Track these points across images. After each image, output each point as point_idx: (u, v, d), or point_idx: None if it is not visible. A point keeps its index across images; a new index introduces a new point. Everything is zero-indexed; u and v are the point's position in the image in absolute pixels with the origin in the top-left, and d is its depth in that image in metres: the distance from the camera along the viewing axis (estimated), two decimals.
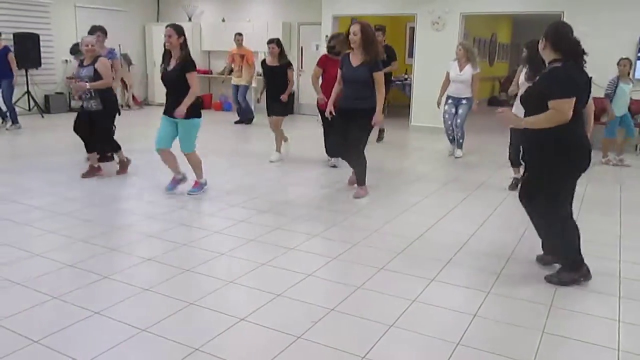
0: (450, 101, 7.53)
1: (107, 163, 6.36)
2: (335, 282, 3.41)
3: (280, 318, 2.91)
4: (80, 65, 5.84)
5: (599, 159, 7.17)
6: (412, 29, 11.07)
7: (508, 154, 5.79)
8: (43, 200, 4.98)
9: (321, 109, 6.32)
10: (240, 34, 10.53)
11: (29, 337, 2.63)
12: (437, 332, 2.79)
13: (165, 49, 5.00)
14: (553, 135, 3.15)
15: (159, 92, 13.62)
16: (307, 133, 9.42)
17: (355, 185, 5.48)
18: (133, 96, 12.89)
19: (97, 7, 12.09)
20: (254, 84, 10.71)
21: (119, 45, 12.41)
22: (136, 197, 5.33)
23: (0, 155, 7.27)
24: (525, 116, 3.31)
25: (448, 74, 7.50)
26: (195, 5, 13.16)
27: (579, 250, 3.37)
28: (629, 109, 7.40)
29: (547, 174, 3.29)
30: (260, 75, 7.61)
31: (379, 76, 5.07)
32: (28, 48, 10.45)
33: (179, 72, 4.94)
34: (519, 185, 3.72)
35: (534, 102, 3.23)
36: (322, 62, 6.48)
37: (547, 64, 3.28)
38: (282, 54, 6.84)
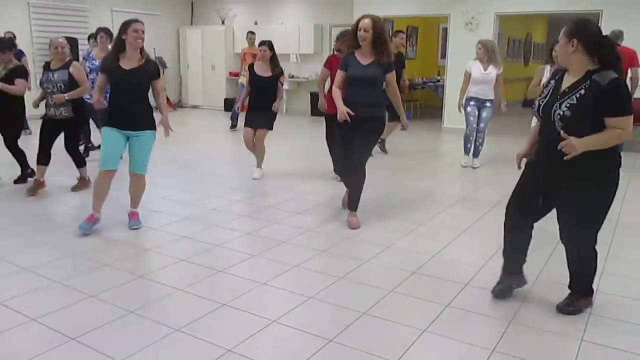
0: (473, 103, 6.79)
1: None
2: (368, 285, 3.38)
3: (312, 321, 2.90)
4: (47, 69, 5.23)
5: None
6: (445, 30, 10.96)
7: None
8: (75, 200, 5.09)
9: (327, 115, 5.65)
10: (252, 32, 10.28)
11: (66, 335, 2.68)
12: (471, 338, 2.74)
13: (117, 45, 4.17)
14: (610, 154, 2.72)
15: (193, 95, 13.84)
16: None
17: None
18: (167, 99, 13.10)
19: (132, 11, 12.32)
20: None
21: (154, 49, 12.68)
22: (170, 196, 5.40)
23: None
24: (568, 133, 2.67)
25: (467, 74, 6.75)
26: (228, 9, 13.30)
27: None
28: None
29: (601, 199, 2.79)
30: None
31: (393, 77, 4.43)
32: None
33: (147, 74, 4.18)
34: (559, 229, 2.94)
35: (586, 118, 2.67)
36: (329, 63, 5.73)
37: (569, 70, 2.78)
38: (273, 60, 5.99)
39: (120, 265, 3.60)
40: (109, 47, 5.36)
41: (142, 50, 4.16)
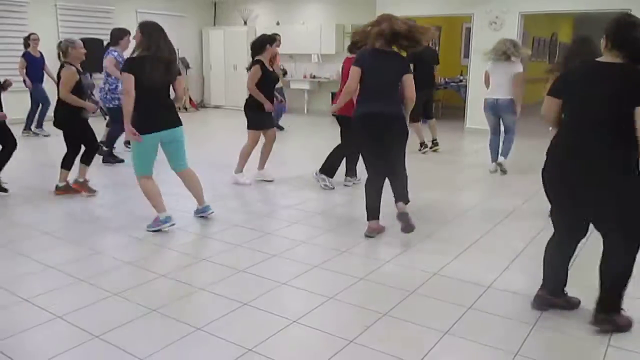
0: (491, 104, 6.40)
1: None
2: (389, 286, 3.36)
3: (332, 321, 2.90)
4: (80, 72, 5.11)
5: None
6: (468, 30, 10.86)
7: None
8: (101, 199, 5.16)
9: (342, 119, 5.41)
10: (275, 34, 10.29)
11: (91, 332, 2.72)
12: (494, 341, 2.70)
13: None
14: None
15: (215, 95, 13.95)
16: None
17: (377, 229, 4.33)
18: (190, 99, 13.22)
19: (157, 13, 12.47)
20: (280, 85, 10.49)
21: (177, 50, 12.79)
22: (191, 196, 5.42)
23: None
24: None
25: (487, 74, 6.44)
26: (250, 9, 13.37)
27: None
28: None
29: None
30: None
31: (409, 79, 4.11)
32: (93, 53, 10.87)
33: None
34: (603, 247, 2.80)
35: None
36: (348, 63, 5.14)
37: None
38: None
39: (143, 264, 3.65)
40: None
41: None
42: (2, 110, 5.06)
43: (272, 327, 2.81)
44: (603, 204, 2.68)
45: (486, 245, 4.10)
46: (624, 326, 2.78)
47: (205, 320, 2.86)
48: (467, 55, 10.86)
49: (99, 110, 5.93)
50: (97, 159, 5.79)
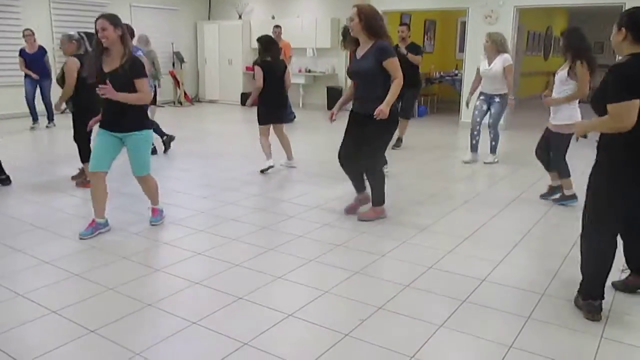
0: (482, 97, 6.66)
1: None
2: (384, 280, 3.38)
3: (328, 315, 2.91)
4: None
5: None
6: (463, 24, 10.85)
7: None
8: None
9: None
10: (278, 26, 10.15)
11: (86, 327, 2.72)
12: (488, 334, 2.72)
13: (98, 46, 3.87)
14: None
15: (210, 89, 13.91)
16: None
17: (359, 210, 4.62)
18: (185, 93, 13.17)
19: (151, 7, 12.43)
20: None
21: (172, 44, 12.76)
22: (186, 190, 5.44)
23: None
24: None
25: (479, 70, 6.66)
26: (245, 3, 13.32)
27: None
28: None
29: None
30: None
31: (392, 63, 4.09)
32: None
33: (127, 75, 3.83)
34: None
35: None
36: None
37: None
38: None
39: (138, 259, 3.64)
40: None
41: (126, 49, 3.86)
42: None
43: (267, 321, 2.81)
44: None
45: (481, 239, 4.12)
46: None
47: (200, 315, 2.86)
48: (462, 50, 10.86)
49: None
50: None
